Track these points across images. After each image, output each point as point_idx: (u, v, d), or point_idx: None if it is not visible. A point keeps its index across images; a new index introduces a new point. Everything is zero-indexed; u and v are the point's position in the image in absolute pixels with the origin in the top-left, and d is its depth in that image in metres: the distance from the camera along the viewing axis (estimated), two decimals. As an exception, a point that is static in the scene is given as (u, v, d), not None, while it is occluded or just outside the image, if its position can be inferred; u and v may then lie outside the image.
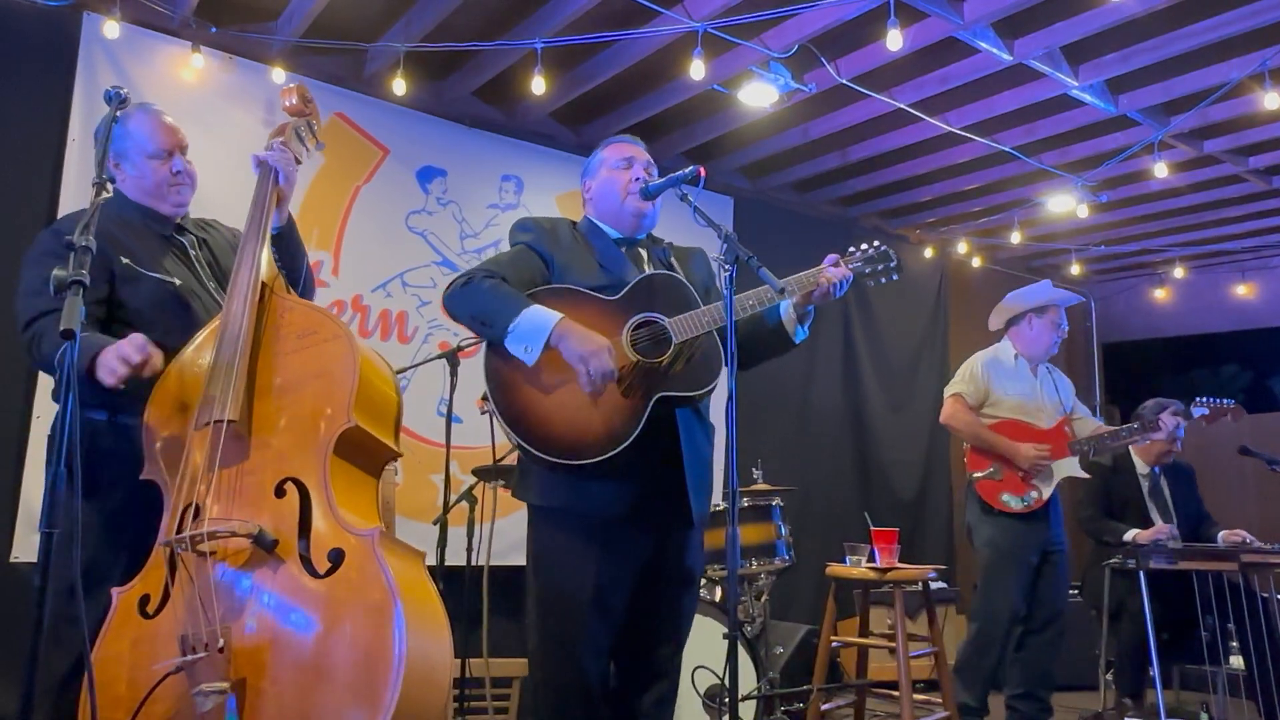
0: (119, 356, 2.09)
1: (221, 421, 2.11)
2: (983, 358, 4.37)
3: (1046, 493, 4.14)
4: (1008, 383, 4.29)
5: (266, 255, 2.37)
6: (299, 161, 2.59)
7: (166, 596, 2.06)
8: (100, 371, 2.11)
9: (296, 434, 2.14)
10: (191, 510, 2.09)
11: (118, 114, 2.12)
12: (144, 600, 2.09)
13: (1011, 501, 4.13)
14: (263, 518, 2.06)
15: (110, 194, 2.18)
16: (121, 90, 2.10)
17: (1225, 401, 4.34)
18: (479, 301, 2.30)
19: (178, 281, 2.45)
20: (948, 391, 4.36)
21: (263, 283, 2.32)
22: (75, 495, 1.79)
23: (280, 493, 2.08)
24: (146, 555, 2.15)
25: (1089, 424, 4.38)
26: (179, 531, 2.07)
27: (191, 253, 2.55)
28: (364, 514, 2.15)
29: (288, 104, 2.70)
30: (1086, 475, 4.37)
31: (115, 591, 2.10)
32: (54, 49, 4.19)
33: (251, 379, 2.20)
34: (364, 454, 2.23)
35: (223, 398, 2.14)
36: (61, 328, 1.71)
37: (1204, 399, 4.38)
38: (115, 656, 2.03)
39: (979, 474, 4.19)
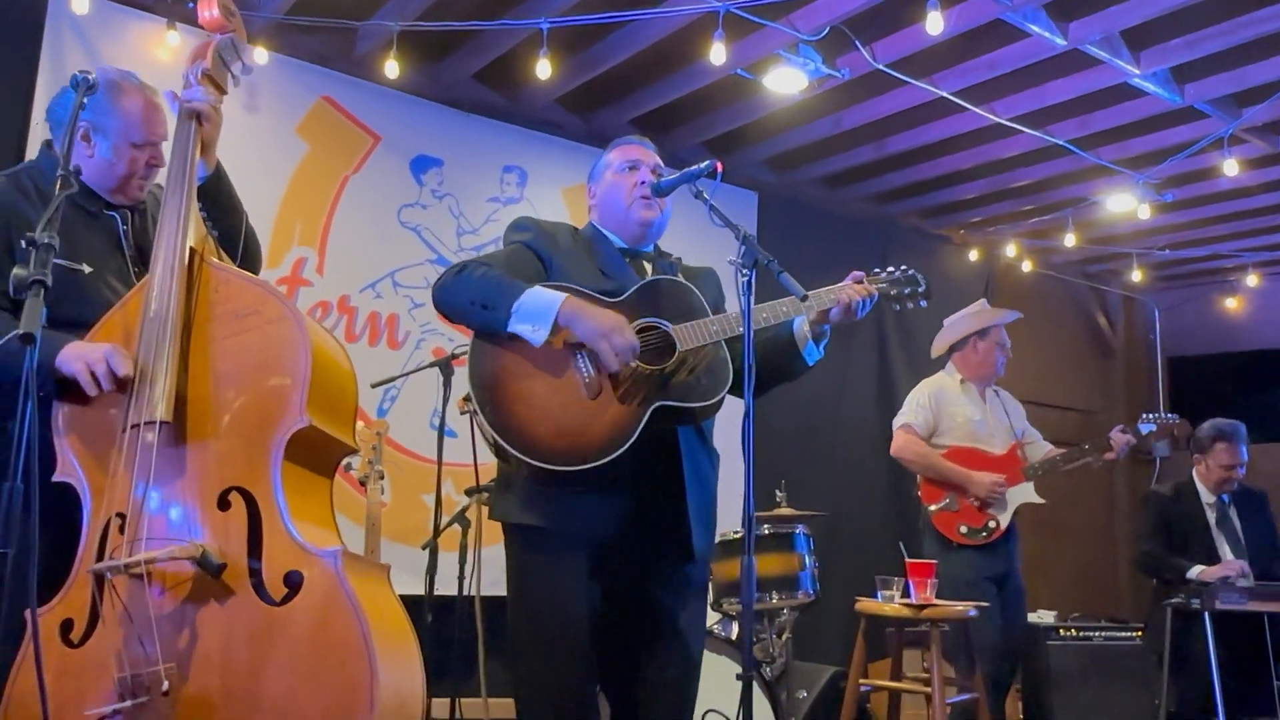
0: (106, 369, 2.02)
1: (153, 423, 2.01)
2: (929, 386, 4.54)
3: (1005, 521, 4.30)
4: (957, 409, 4.45)
5: (194, 214, 2.23)
6: (223, 91, 2.42)
7: (94, 623, 1.97)
8: (72, 365, 2.06)
9: (240, 435, 2.04)
10: (116, 523, 2.00)
11: (96, 85, 2.07)
12: (66, 626, 1.99)
13: (969, 534, 4.29)
14: (205, 536, 1.97)
15: (75, 188, 2.14)
16: (90, 75, 2.07)
17: (1169, 417, 4.51)
18: (477, 285, 2.31)
19: (86, 269, 2.29)
20: (896, 423, 4.52)
21: (190, 248, 2.18)
22: (32, 514, 1.77)
23: (224, 505, 2.00)
24: (64, 570, 2.03)
25: (1040, 448, 4.56)
26: (103, 547, 1.98)
27: (121, 229, 2.41)
28: (322, 526, 2.07)
29: (206, 16, 2.44)
30: (1043, 501, 4.49)
31: (30, 613, 1.89)
32: (17, 25, 4.22)
33: (184, 370, 2.08)
34: (319, 454, 2.14)
35: (151, 394, 2.03)
36: (20, 330, 1.68)
37: (1151, 414, 4.54)
38: (35, 691, 1.86)
39: (935, 506, 4.35)
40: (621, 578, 2.36)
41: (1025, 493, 4.38)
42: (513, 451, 2.23)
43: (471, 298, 2.32)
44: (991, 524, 4.29)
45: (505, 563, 2.42)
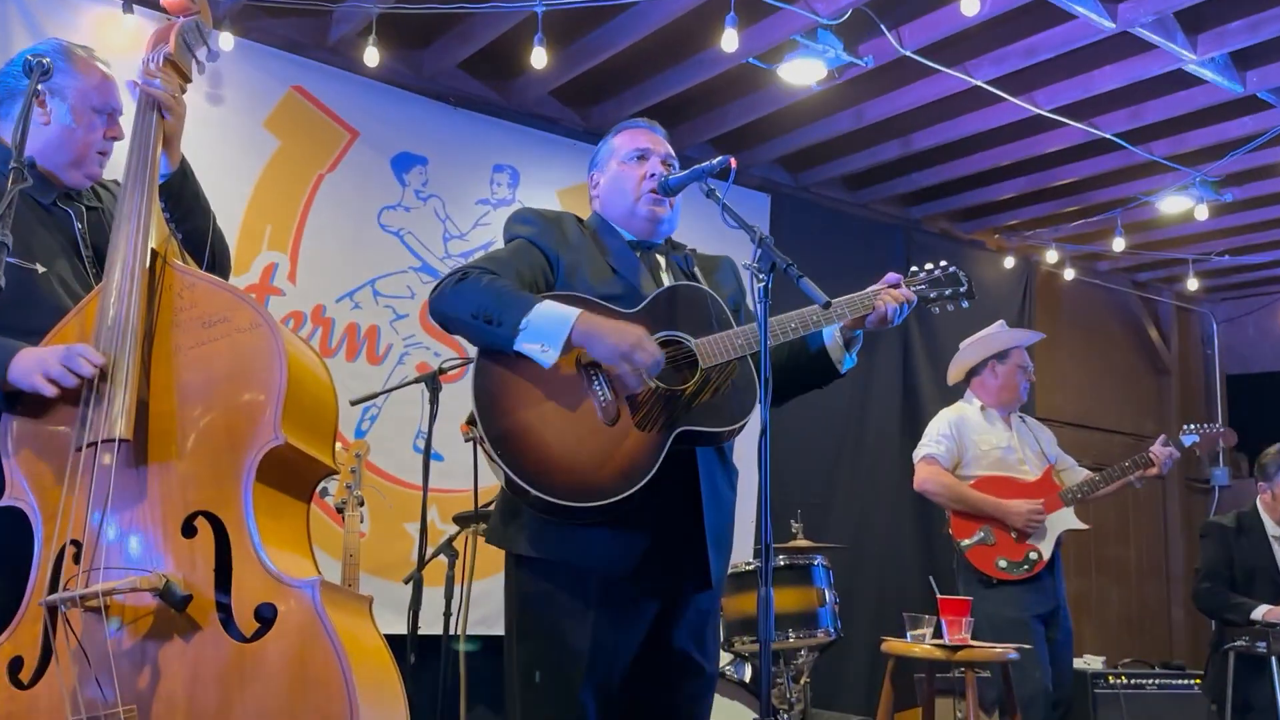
0: (62, 370, 2.04)
1: (111, 441, 2.01)
2: (948, 415, 4.62)
3: (1047, 552, 4.34)
4: (981, 436, 4.52)
5: (156, 213, 2.23)
6: (188, 79, 2.44)
7: (46, 661, 1.96)
8: (30, 378, 2.07)
9: (208, 455, 2.04)
10: (71, 551, 2.01)
11: (50, 69, 2.09)
12: (15, 665, 1.98)
13: (1009, 568, 4.30)
14: (168, 565, 1.97)
15: (29, 182, 2.14)
16: (44, 61, 2.10)
17: (1214, 426, 4.59)
18: (481, 297, 2.30)
19: (40, 269, 2.28)
20: (917, 456, 4.58)
21: (152, 250, 2.17)
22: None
23: (190, 531, 2.01)
24: (14, 603, 2.03)
25: (1077, 474, 4.61)
26: (57, 577, 1.98)
27: (76, 226, 2.41)
28: (297, 554, 2.08)
29: None
30: (1086, 526, 4.54)
31: None
32: (-41, 8, 4.30)
33: (145, 383, 2.08)
34: (294, 476, 2.14)
35: (109, 409, 2.03)
36: None
37: (1194, 424, 4.61)
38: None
39: (968, 541, 4.38)
40: (634, 611, 2.38)
41: (1066, 519, 4.42)
42: (527, 488, 2.24)
43: (474, 310, 2.31)
44: (1033, 555, 4.32)
45: (505, 596, 2.45)
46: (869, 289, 2.51)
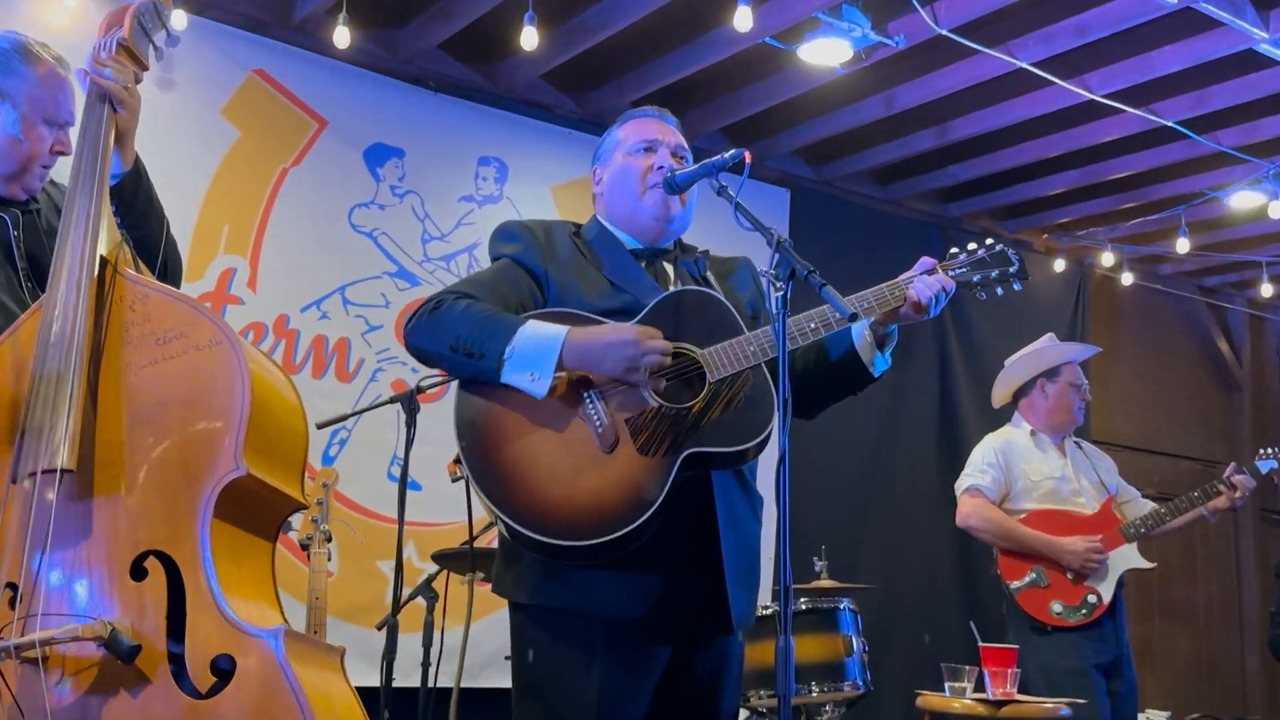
0: None
1: (52, 472, 2.00)
2: (995, 440, 4.59)
3: (1107, 594, 4.31)
4: (1031, 465, 4.49)
5: (107, 216, 2.22)
6: (144, 67, 2.43)
7: None
8: None
9: (161, 487, 2.04)
10: (6, 595, 1.99)
11: None
12: None
13: (1065, 613, 4.28)
14: (115, 612, 1.96)
15: None
16: None
17: None
18: (459, 325, 2.32)
19: None
20: (959, 487, 4.56)
21: (102, 257, 2.17)
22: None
23: (139, 573, 1.99)
24: None
25: (1140, 507, 4.58)
26: None
27: (11, 233, 2.42)
28: (260, 599, 2.08)
29: None
30: (1150, 565, 4.51)
31: None
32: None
33: (91, 406, 2.08)
34: (258, 511, 2.14)
35: (50, 436, 2.02)
36: None
37: (1273, 448, 4.59)
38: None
39: (1018, 583, 4.36)
40: (645, 659, 2.38)
41: (1128, 556, 4.39)
42: (521, 530, 2.25)
43: (452, 342, 2.32)
44: (1091, 598, 4.30)
45: (511, 649, 2.45)
46: (899, 278, 2.48)
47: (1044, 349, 4.68)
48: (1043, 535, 4.35)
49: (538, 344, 2.28)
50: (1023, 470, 4.49)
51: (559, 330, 2.30)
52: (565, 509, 2.26)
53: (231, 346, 2.11)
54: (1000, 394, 4.76)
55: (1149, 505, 4.59)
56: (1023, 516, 4.42)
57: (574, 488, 2.27)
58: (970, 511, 4.47)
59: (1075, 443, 4.66)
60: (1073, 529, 4.38)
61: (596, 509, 2.26)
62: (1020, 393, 4.65)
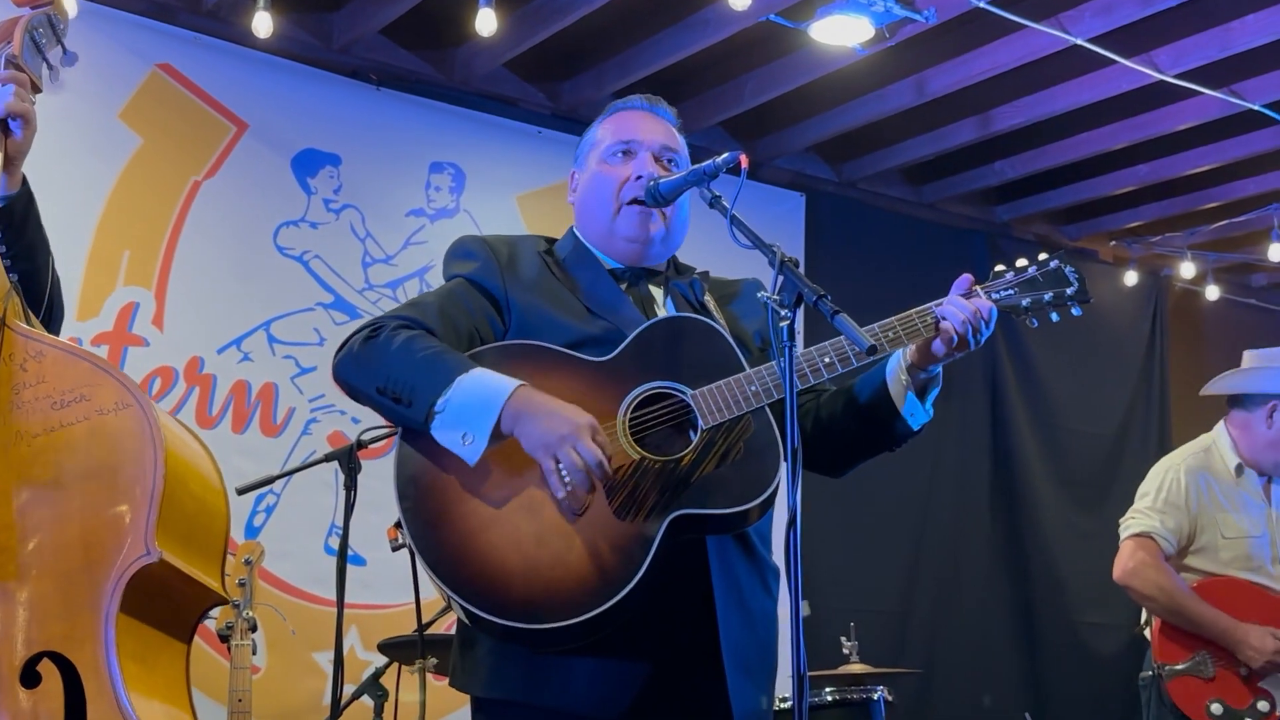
0: None
1: None
2: (1184, 465, 4.32)
3: None
4: (1230, 512, 4.26)
5: None
6: (38, 89, 2.48)
7: None
8: None
9: (58, 576, 2.05)
10: None
11: None
12: None
13: (1225, 716, 4.08)
14: None
15: None
16: None
17: None
18: (389, 365, 2.32)
19: None
20: (1126, 529, 4.30)
21: None
22: None
23: (32, 680, 2.00)
24: None
25: None
26: None
27: None
28: (174, 707, 2.08)
29: None
30: None
31: None
32: None
33: None
34: (171, 606, 2.15)
35: None
36: None
37: None
38: None
39: (1173, 667, 4.16)
40: None
41: None
42: (471, 609, 2.24)
43: (381, 383, 2.33)
44: (1263, 705, 4.07)
45: None
46: (930, 304, 2.45)
47: None
48: (1223, 617, 4.11)
49: (477, 398, 2.27)
50: (1217, 520, 4.25)
51: (505, 385, 2.28)
52: (525, 585, 2.25)
53: (141, 410, 2.13)
54: (1215, 389, 4.48)
55: None
56: (1199, 582, 4.21)
57: (536, 559, 2.27)
58: (1135, 569, 4.22)
59: None
60: (1261, 611, 4.14)
61: (563, 585, 2.25)
62: (1240, 403, 4.37)
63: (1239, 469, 4.32)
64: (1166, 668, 4.18)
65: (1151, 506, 4.29)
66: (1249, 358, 4.45)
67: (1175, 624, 4.19)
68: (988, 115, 6.07)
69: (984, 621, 6.71)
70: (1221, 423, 4.40)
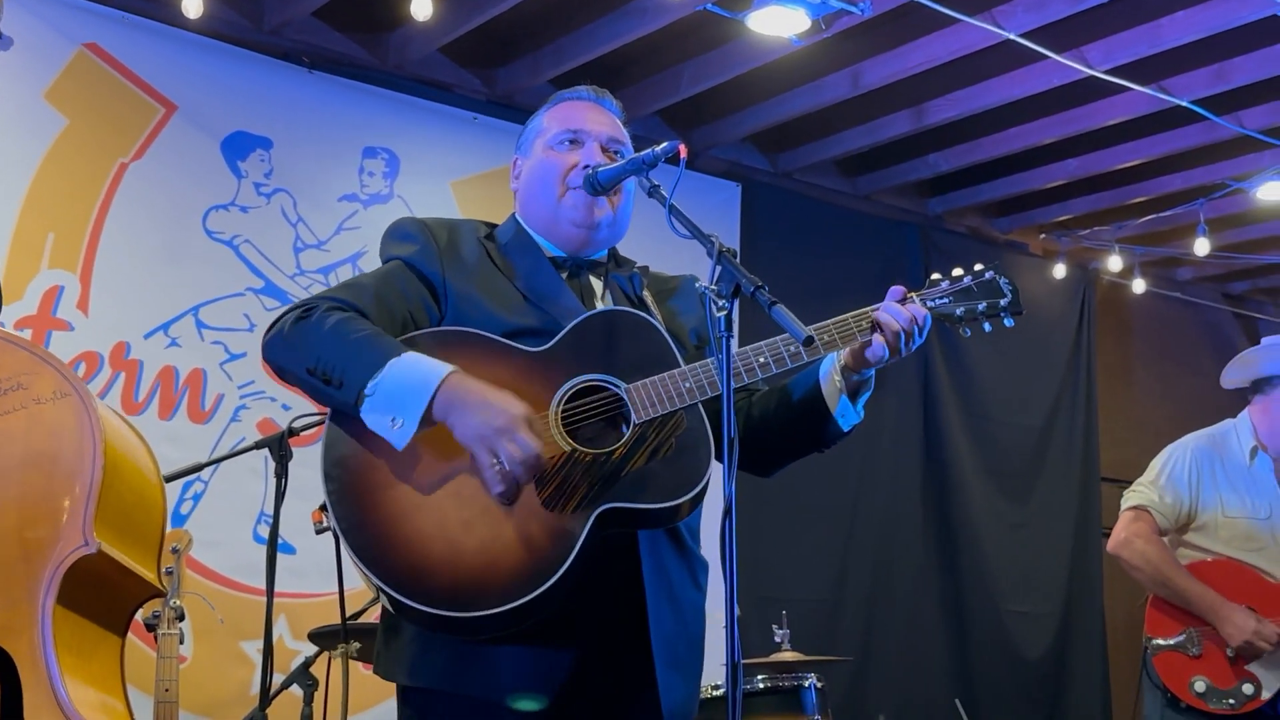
0: None
1: None
2: (1194, 444, 4.37)
3: (1270, 690, 4.12)
4: (1233, 492, 4.29)
5: None
6: None
7: None
8: None
9: None
10: None
11: None
12: None
13: (1208, 695, 4.11)
14: None
15: None
16: None
17: None
18: (319, 345, 2.31)
19: None
20: (1127, 500, 4.36)
21: None
22: None
23: None
24: None
25: None
26: None
27: None
28: (110, 696, 2.09)
29: None
30: None
31: None
32: None
33: None
34: (108, 597, 2.16)
35: None
36: None
37: None
38: None
39: (1162, 641, 4.20)
40: None
41: None
42: (395, 595, 2.24)
43: (310, 363, 2.32)
44: (1247, 689, 4.09)
45: None
46: (864, 309, 2.48)
47: None
48: (1210, 593, 4.16)
49: (408, 383, 2.26)
50: (1220, 495, 4.29)
51: (438, 370, 2.28)
52: (452, 573, 2.25)
53: (80, 400, 2.14)
54: (1235, 378, 4.51)
55: None
56: (1196, 561, 4.25)
57: (462, 547, 2.27)
58: (1127, 539, 4.28)
59: None
60: (1253, 594, 4.16)
61: (488, 573, 2.25)
62: (1260, 388, 4.39)
63: (1253, 451, 4.36)
64: (1154, 641, 4.24)
65: (1154, 481, 4.37)
66: (1266, 343, 4.49)
67: (1163, 596, 4.25)
68: (922, 108, 6.11)
69: (915, 610, 6.76)
70: (1245, 412, 4.43)
